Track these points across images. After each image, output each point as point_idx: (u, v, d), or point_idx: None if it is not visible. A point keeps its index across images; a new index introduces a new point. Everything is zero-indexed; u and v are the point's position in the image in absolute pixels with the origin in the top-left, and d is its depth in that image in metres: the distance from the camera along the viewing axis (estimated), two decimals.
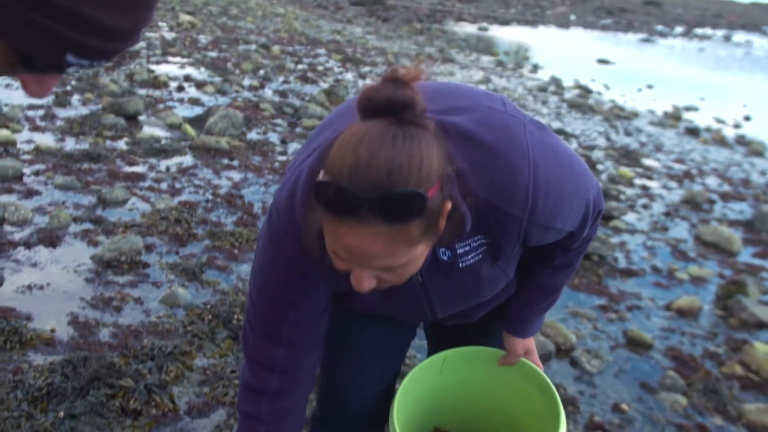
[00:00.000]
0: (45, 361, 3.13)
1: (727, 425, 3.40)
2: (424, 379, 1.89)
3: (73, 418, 2.78)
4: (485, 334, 1.92)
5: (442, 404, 2.01)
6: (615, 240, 5.90)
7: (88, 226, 4.63)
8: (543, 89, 14.51)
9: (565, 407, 3.19)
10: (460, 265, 1.46)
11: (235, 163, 6.47)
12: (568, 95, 14.11)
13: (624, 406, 3.39)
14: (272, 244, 1.45)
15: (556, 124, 11.01)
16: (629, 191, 7.58)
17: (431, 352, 2.07)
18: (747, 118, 14.53)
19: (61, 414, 2.78)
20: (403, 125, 1.12)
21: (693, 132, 12.27)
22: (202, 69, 11.09)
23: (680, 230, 6.56)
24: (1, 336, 3.25)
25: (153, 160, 6.18)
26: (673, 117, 13.56)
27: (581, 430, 3.12)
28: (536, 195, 1.32)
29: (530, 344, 1.90)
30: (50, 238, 4.38)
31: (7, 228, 4.43)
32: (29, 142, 6.15)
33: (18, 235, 4.35)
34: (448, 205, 1.19)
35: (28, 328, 3.37)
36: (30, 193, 5.01)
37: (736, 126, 13.66)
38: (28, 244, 4.26)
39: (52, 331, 3.38)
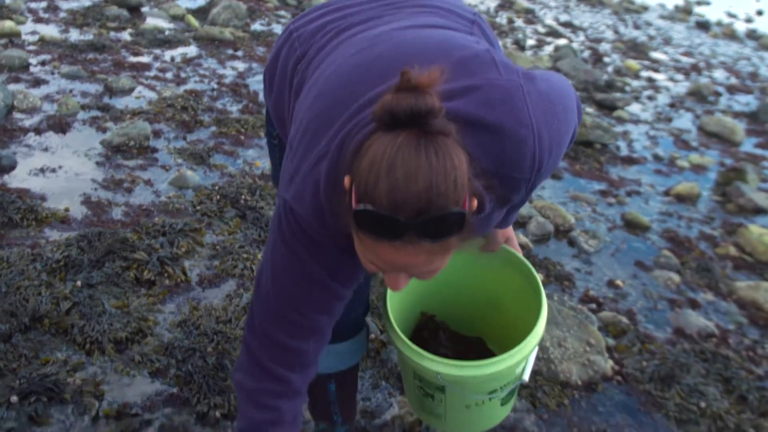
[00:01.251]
0: (61, 236, 3.25)
1: (718, 301, 3.53)
2: None
3: (91, 287, 2.91)
4: None
5: (428, 292, 2.12)
6: (618, 129, 5.94)
7: (96, 113, 4.69)
8: None
9: (561, 282, 3.32)
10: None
11: (240, 53, 6.47)
12: None
13: (618, 282, 3.51)
14: (295, 257, 1.42)
15: (563, 17, 10.86)
16: (635, 83, 7.57)
17: None
18: (759, 13, 14.30)
19: (79, 283, 2.91)
20: (430, 136, 1.11)
21: (703, 26, 12.10)
22: None
23: (684, 121, 6.59)
24: (17, 214, 3.36)
25: (157, 51, 6.18)
26: (684, 11, 13.35)
27: (576, 303, 3.25)
28: (542, 157, 1.37)
29: (509, 232, 2.00)
30: (60, 125, 4.44)
31: (17, 115, 4.49)
32: (33, 33, 6.14)
33: (28, 122, 4.42)
34: (475, 203, 1.23)
35: (43, 207, 3.47)
36: (37, 82, 5.05)
37: (748, 20, 13.46)
38: (38, 130, 4.33)
39: (66, 210, 3.48)
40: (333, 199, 1.26)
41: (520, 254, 1.98)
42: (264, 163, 4.24)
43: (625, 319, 3.19)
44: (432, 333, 2.19)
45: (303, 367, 1.53)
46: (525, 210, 3.99)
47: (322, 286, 1.45)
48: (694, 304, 3.45)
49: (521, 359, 1.79)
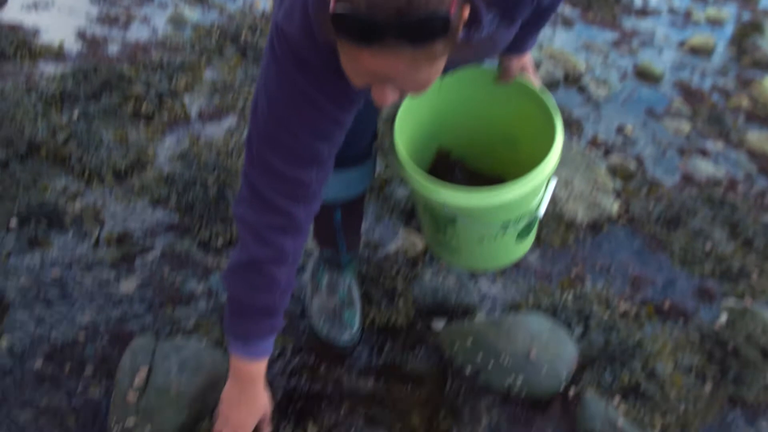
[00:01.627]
0: (56, 70, 3.15)
1: (728, 150, 3.46)
2: (423, 103, 1.90)
3: (88, 118, 2.83)
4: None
5: (443, 126, 2.03)
6: None
7: None
8: None
9: (569, 128, 3.24)
10: (474, 40, 1.41)
11: None
12: None
13: (628, 129, 3.44)
14: (286, 77, 1.35)
15: None
16: None
17: None
18: None
19: (76, 114, 2.83)
20: None
21: None
22: None
23: None
24: (10, 47, 3.24)
25: None
26: None
27: (584, 147, 3.19)
28: None
29: (526, 61, 1.89)
30: None
31: None
32: None
33: None
34: (466, 12, 1.12)
35: (37, 41, 3.36)
36: None
37: None
38: None
39: (61, 44, 3.36)
40: (319, 9, 1.17)
41: (537, 85, 1.89)
42: (264, 4, 4.08)
43: (633, 164, 3.13)
44: (448, 170, 2.13)
45: (306, 201, 1.47)
46: (534, 55, 3.87)
47: (315, 106, 1.37)
48: (703, 153, 3.39)
49: (533, 189, 1.74)
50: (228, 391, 1.65)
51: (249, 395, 1.64)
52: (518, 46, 1.78)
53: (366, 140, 1.87)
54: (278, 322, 1.58)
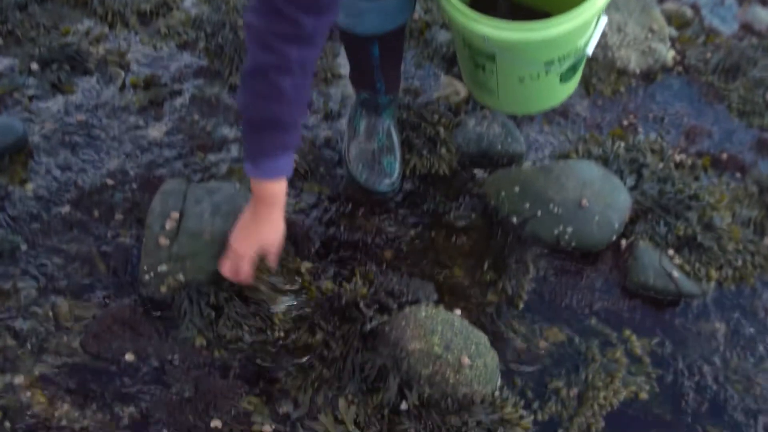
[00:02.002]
0: None
1: None
2: None
3: None
4: None
5: None
6: None
7: None
8: None
9: None
10: None
11: None
12: None
13: None
14: None
15: None
16: None
17: None
18: None
19: None
20: None
21: None
22: None
23: None
24: None
25: None
26: None
27: None
28: None
29: None
30: None
31: None
32: None
33: None
34: None
35: None
36: None
37: None
38: None
39: None
40: None
41: None
42: None
43: (689, 11, 2.92)
44: (490, 3, 1.95)
45: (316, 11, 1.34)
46: None
47: None
48: (763, 2, 3.15)
49: (582, 25, 1.59)
50: (241, 217, 1.59)
51: (260, 220, 1.57)
52: None
53: None
54: (291, 138, 1.47)
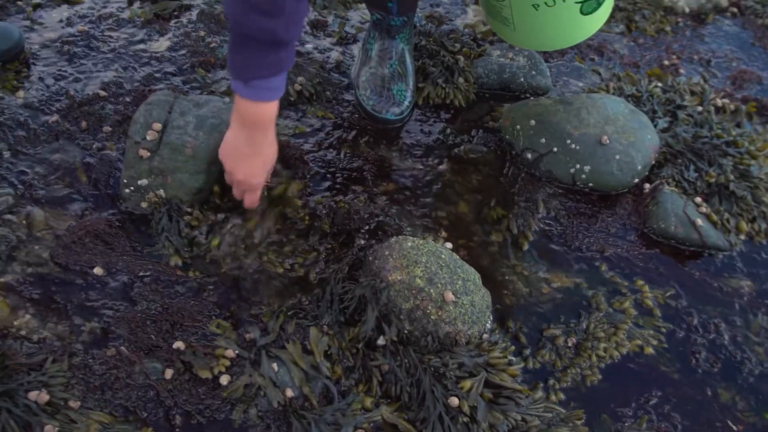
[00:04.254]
0: None
1: None
2: None
3: None
4: None
5: None
6: None
7: None
8: None
9: None
10: None
11: None
12: None
13: None
14: None
15: None
16: None
17: None
18: None
19: None
20: None
21: None
22: None
23: None
24: None
25: None
26: None
27: None
28: None
29: None
30: None
31: None
32: None
33: None
34: None
35: None
36: None
37: None
38: None
39: None
40: None
41: None
42: None
43: None
44: None
45: None
46: None
47: None
48: None
49: None
50: (233, 140, 1.45)
51: (257, 145, 1.44)
52: None
53: None
54: (288, 57, 1.34)
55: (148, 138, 1.57)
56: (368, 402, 1.34)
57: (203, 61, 1.94)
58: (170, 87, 1.85)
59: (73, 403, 1.26)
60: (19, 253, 1.49)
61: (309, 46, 2.03)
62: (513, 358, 1.44)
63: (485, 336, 1.44)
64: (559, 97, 1.87)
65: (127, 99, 1.82)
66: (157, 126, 1.58)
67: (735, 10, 2.43)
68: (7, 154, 1.67)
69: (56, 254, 1.50)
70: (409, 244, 1.45)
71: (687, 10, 2.36)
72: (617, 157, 1.73)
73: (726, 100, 2.06)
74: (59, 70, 1.87)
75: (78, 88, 1.83)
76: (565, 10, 1.61)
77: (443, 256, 1.44)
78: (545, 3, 1.59)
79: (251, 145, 1.43)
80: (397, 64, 1.89)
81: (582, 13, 1.63)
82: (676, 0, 2.36)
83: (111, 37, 1.97)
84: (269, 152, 1.48)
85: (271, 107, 1.39)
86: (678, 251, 1.68)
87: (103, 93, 1.82)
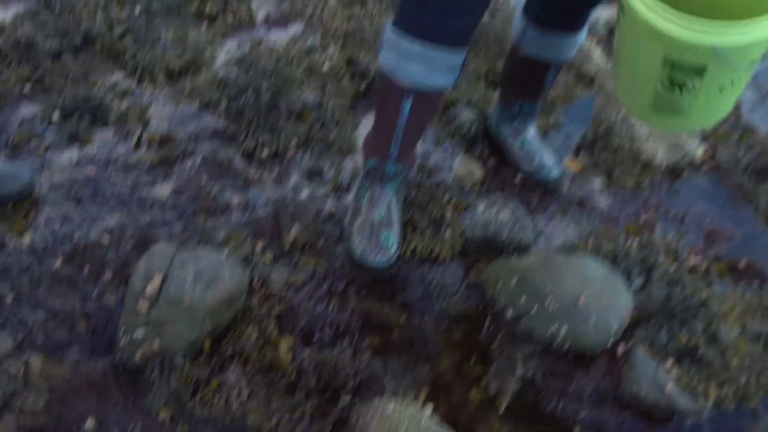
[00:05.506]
0: None
1: None
2: None
3: (149, 15, 2.72)
4: None
5: None
6: None
7: None
8: None
9: None
10: None
11: None
12: None
13: None
14: None
15: None
16: None
17: None
18: None
19: (138, 10, 2.72)
20: None
21: None
22: None
23: None
24: None
25: None
26: None
27: None
28: None
29: None
30: None
31: None
32: None
33: None
34: None
35: None
36: None
37: None
38: None
39: None
40: None
41: None
42: None
43: None
44: None
45: None
46: None
47: None
48: None
49: None
50: None
51: None
52: None
53: (476, 14, 1.69)
54: None
55: (148, 289, 1.65)
56: None
57: (204, 207, 2.04)
58: (171, 234, 1.95)
59: None
60: (14, 402, 1.55)
61: (304, 194, 2.13)
62: None
63: None
64: (541, 257, 1.97)
65: (129, 245, 1.91)
66: (158, 278, 1.67)
67: (709, 166, 2.56)
68: (9, 299, 1.75)
69: (50, 405, 1.56)
70: (391, 407, 1.52)
71: (664, 165, 2.49)
72: (593, 318, 1.82)
73: (699, 258, 2.16)
74: (66, 214, 1.97)
75: (83, 233, 1.93)
76: (739, 86, 1.60)
77: (423, 421, 1.51)
78: (731, 82, 1.57)
79: None
80: (385, 212, 1.99)
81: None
82: (653, 155, 2.49)
83: (118, 180, 2.08)
84: None
85: None
86: (649, 415, 1.76)
87: (106, 238, 1.92)
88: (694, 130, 1.84)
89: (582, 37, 2.05)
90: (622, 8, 1.52)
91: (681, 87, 1.56)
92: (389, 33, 1.73)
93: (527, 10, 2.04)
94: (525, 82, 2.20)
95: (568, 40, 2.03)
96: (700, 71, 1.50)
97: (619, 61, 1.70)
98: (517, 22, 2.09)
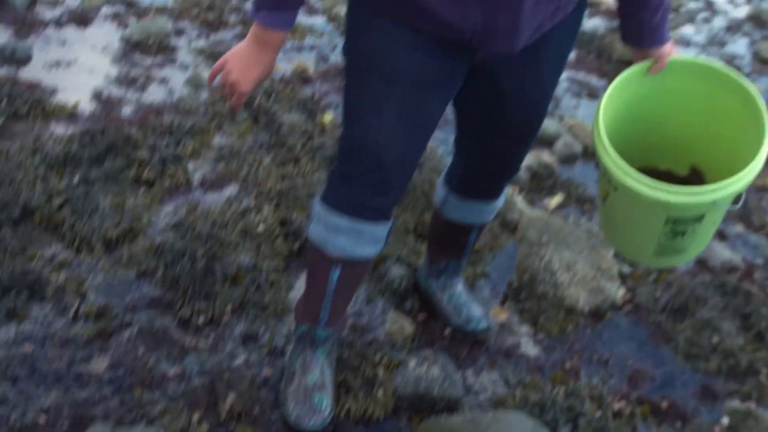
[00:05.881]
0: (65, 131, 3.17)
1: (748, 233, 3.33)
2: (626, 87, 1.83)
3: (88, 183, 2.82)
4: (532, 76, 1.84)
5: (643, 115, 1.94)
6: None
7: (120, 8, 4.54)
8: None
9: (581, 205, 3.14)
10: None
11: None
12: None
13: None
14: None
15: None
16: (691, 4, 7.13)
17: (462, 127, 2.04)
18: None
19: (76, 179, 2.83)
20: None
21: None
22: None
23: (739, 46, 6.18)
24: (24, 106, 3.28)
25: None
26: None
27: (594, 226, 3.09)
28: None
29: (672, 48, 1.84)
30: (81, 19, 4.32)
31: (39, 9, 4.38)
32: None
33: (49, 15, 4.30)
34: None
35: (52, 101, 3.39)
36: None
37: None
38: (59, 23, 4.23)
39: (75, 105, 3.39)
40: None
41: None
42: (285, 67, 4.08)
43: None
44: None
45: None
46: (553, 128, 3.78)
47: None
48: (721, 236, 3.25)
49: None
50: (241, 48, 1.68)
51: (261, 57, 1.67)
52: (664, 32, 1.78)
53: (401, 186, 1.86)
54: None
55: None
56: None
57: (140, 380, 2.09)
58: (108, 411, 1.98)
59: None
60: None
61: (240, 360, 2.19)
62: None
63: None
64: (469, 417, 2.04)
65: (65, 426, 1.94)
66: None
67: (630, 306, 2.69)
68: None
69: None
70: None
71: (586, 309, 2.62)
72: None
73: (623, 403, 2.26)
74: (2, 394, 1.99)
75: (18, 414, 1.95)
76: (719, 219, 1.82)
77: None
78: (720, 216, 1.80)
79: (255, 58, 1.67)
80: (318, 376, 2.06)
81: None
82: (575, 301, 2.62)
83: (54, 356, 2.12)
84: (266, 69, 1.70)
85: (277, 34, 1.65)
86: None
87: (42, 419, 1.94)
88: (689, 260, 2.08)
89: (501, 201, 2.21)
90: (613, 186, 1.74)
91: (683, 234, 1.77)
92: (318, 207, 1.86)
93: (447, 179, 2.19)
94: (449, 243, 2.33)
95: (488, 206, 2.18)
96: (699, 218, 1.72)
97: (613, 225, 1.94)
98: (439, 188, 2.24)
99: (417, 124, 1.77)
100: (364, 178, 1.78)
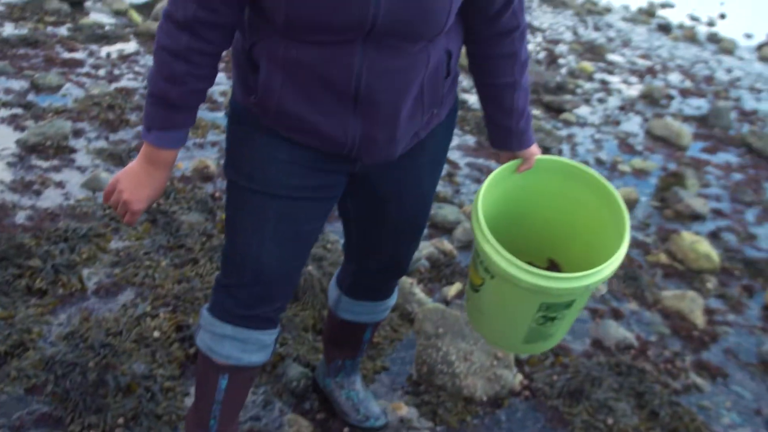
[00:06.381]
0: None
1: (642, 311, 3.45)
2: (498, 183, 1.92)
3: None
4: (411, 180, 1.91)
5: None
6: (563, 133, 5.86)
7: (17, 111, 4.52)
8: None
9: None
10: None
11: None
12: None
13: None
14: None
15: None
16: (587, 85, 7.49)
17: (348, 232, 2.09)
18: (722, 16, 14.36)
19: None
20: None
21: (665, 28, 12.11)
22: None
23: (632, 124, 6.52)
24: None
25: (94, 47, 6.01)
26: (647, 13, 13.37)
27: None
28: None
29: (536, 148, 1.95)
30: None
31: None
32: None
33: None
34: None
35: None
36: None
37: (710, 24, 13.50)
38: None
39: None
40: None
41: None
42: (186, 165, 4.10)
43: None
44: None
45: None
46: (452, 215, 3.88)
47: None
48: (616, 314, 3.36)
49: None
50: (133, 167, 1.66)
51: (153, 175, 1.66)
52: (530, 135, 1.90)
53: (287, 297, 1.88)
54: (181, 118, 1.63)
55: None
56: None
57: None
58: None
59: None
60: None
61: None
62: None
63: None
64: None
65: None
66: None
67: (527, 392, 2.74)
68: None
69: None
70: None
71: (484, 397, 2.65)
72: None
73: None
74: None
75: None
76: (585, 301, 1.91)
77: None
78: (584, 303, 1.88)
79: (147, 176, 1.65)
80: None
81: None
82: (473, 390, 2.65)
83: None
84: (159, 187, 1.68)
85: (169, 153, 1.65)
86: None
87: None
88: (555, 345, 2.16)
89: (394, 299, 2.25)
90: (490, 274, 1.81)
91: (553, 320, 1.85)
92: (205, 316, 1.86)
93: (339, 282, 2.22)
94: (344, 342, 2.35)
95: (380, 306, 2.22)
96: (570, 304, 1.81)
97: (484, 313, 2.00)
98: (332, 290, 2.27)
99: (298, 237, 1.81)
100: (246, 289, 1.80)
